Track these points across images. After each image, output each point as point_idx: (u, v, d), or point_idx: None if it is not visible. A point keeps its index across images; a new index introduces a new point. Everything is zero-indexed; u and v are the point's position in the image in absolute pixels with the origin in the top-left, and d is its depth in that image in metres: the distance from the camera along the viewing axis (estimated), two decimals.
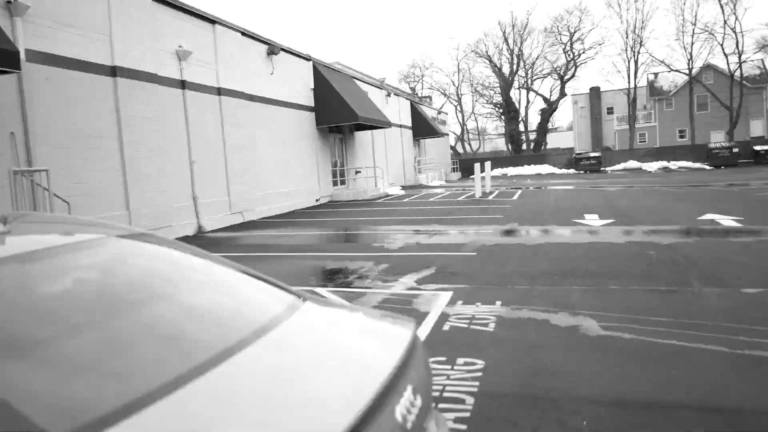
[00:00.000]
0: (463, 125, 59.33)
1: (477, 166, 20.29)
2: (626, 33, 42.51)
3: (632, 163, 40.89)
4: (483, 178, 26.15)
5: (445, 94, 58.14)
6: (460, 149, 62.61)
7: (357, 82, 24.49)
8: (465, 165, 44.67)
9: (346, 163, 23.34)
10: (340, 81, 21.48)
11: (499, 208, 15.91)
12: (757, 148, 37.18)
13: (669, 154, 41.25)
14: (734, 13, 38.62)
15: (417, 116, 33.95)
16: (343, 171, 23.24)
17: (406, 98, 33.59)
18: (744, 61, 39.73)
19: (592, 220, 12.35)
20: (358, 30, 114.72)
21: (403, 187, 28.70)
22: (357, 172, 22.80)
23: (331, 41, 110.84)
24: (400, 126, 31.49)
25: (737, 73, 40.15)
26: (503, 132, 53.56)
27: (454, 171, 41.58)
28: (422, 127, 34.08)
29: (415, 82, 56.94)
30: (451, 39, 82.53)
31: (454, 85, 58.50)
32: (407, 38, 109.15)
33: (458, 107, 59.21)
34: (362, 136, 25.13)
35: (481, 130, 64.39)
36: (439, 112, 41.77)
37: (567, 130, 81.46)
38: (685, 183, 22.68)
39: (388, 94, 28.55)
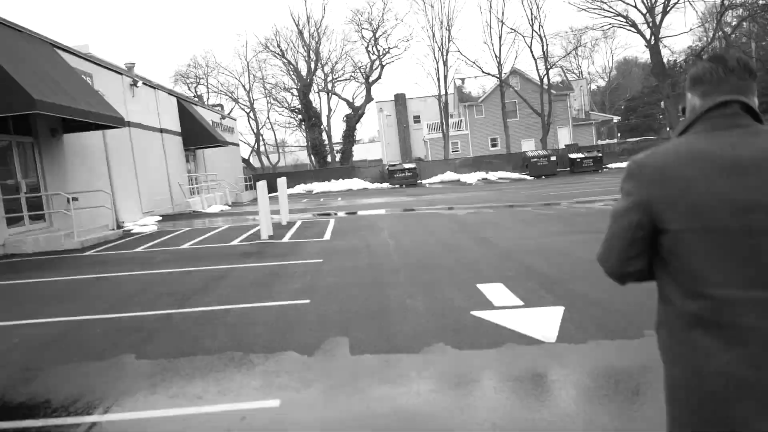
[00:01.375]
0: (258, 134, 51.28)
1: (261, 185, 12.53)
2: (433, 32, 38.40)
3: (450, 175, 36.54)
4: (274, 199, 18.41)
5: (233, 99, 49.62)
6: (256, 163, 54.38)
7: (67, 56, 15.29)
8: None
9: (45, 186, 14.07)
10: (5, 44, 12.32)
11: (299, 274, 8.40)
12: (573, 156, 34.93)
13: (485, 164, 37.72)
14: (539, 17, 36.31)
15: (189, 119, 25.26)
16: (40, 198, 13.96)
17: (170, 94, 24.65)
18: (552, 66, 37.71)
19: (517, 313, 5.42)
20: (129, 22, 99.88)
21: (165, 217, 19.90)
22: (71, 200, 13.64)
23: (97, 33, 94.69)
24: (162, 130, 22.58)
25: (545, 80, 37.95)
26: (305, 144, 46.64)
27: (248, 189, 33.43)
28: (198, 134, 25.48)
29: (196, 84, 47.57)
30: (238, 36, 73.83)
31: (244, 88, 50.18)
32: (186, 35, 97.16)
33: (251, 114, 51.03)
34: (84, 141, 15.94)
35: (280, 142, 56.92)
36: (224, 117, 33.32)
37: (369, 142, 77.73)
38: (531, 198, 17.60)
39: (134, 83, 19.56)
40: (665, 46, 39.29)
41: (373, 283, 7.26)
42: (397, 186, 35.26)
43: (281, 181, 15.69)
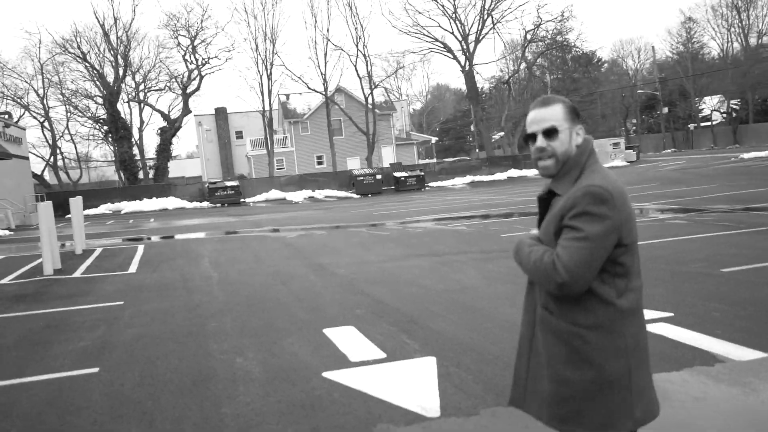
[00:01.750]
0: (54, 147, 44.98)
1: (43, 207, 10.06)
2: (256, 44, 36.81)
3: (275, 193, 35.00)
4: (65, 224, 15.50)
5: (23, 105, 42.99)
6: (52, 179, 47.73)
7: None
8: (58, 200, 31.81)
9: None
10: None
11: (89, 324, 6.57)
12: (398, 175, 35.52)
13: (311, 182, 36.85)
14: (363, 37, 36.63)
15: None
16: None
17: None
18: (376, 86, 38.19)
19: (381, 371, 4.31)
20: None
21: None
22: None
23: None
24: None
25: (370, 99, 38.30)
26: (113, 158, 41.84)
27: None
28: None
29: None
30: (30, 34, 64.97)
31: (37, 93, 43.78)
32: None
33: (45, 123, 44.66)
34: None
35: (82, 156, 50.65)
36: (8, 125, 28.34)
37: (188, 158, 73.13)
38: (362, 218, 16.95)
39: None
40: (478, 73, 42.00)
41: (190, 335, 5.70)
42: (218, 205, 32.86)
43: (75, 201, 13.08)
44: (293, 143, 46.12)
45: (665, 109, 54.13)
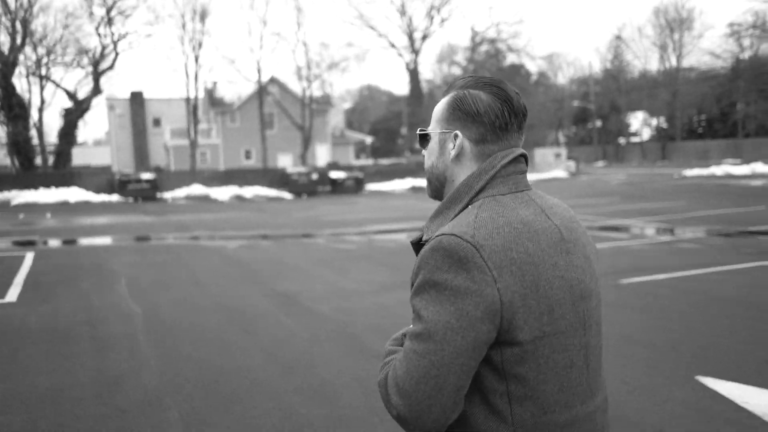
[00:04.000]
0: None
1: None
2: (183, 20, 32.97)
3: (197, 188, 31.48)
4: None
5: None
6: None
7: None
8: None
9: None
10: None
11: None
12: (334, 175, 32.97)
13: (239, 178, 33.59)
14: (303, 25, 33.75)
15: None
16: None
17: None
18: (315, 78, 35.43)
19: None
20: None
21: None
22: None
23: None
24: None
25: (308, 92, 35.51)
26: (5, 140, 36.52)
27: None
28: None
29: None
30: None
31: None
32: None
33: None
34: None
35: None
36: None
37: (95, 145, 67.02)
38: (310, 224, 14.32)
39: None
40: (419, 73, 40.22)
41: None
42: (130, 199, 28.98)
43: None
44: (220, 135, 42.35)
45: (598, 123, 54.82)
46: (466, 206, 1.14)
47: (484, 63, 41.36)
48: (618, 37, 59.92)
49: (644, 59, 62.02)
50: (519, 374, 1.05)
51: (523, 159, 1.20)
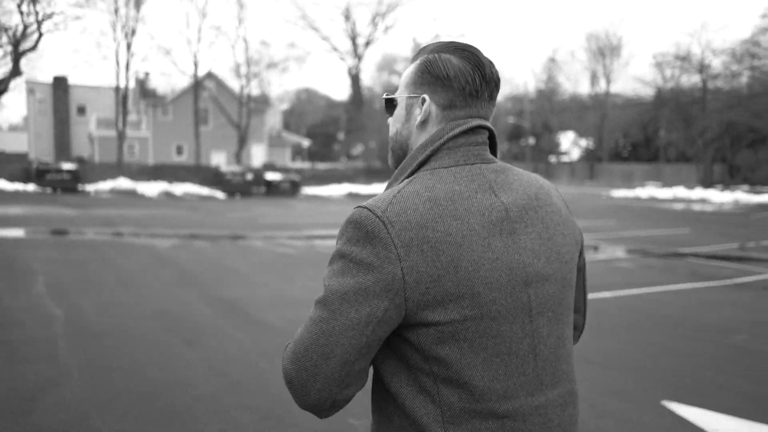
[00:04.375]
0: None
1: None
2: (116, 5, 31.20)
3: (123, 182, 29.92)
4: None
5: None
6: None
7: None
8: None
9: None
10: None
11: None
12: (270, 177, 32.17)
13: (169, 174, 32.22)
14: (243, 20, 32.80)
15: None
16: None
17: None
18: (254, 76, 34.50)
19: None
20: None
21: None
22: None
23: None
24: None
25: (246, 90, 34.53)
26: None
27: None
28: None
29: None
30: None
31: None
32: None
33: None
34: None
35: None
36: None
37: (10, 130, 62.71)
38: (246, 225, 13.69)
39: None
40: (361, 79, 39.93)
41: None
42: (49, 190, 27.13)
43: None
44: (150, 128, 40.45)
45: (532, 140, 56.47)
46: (410, 176, 1.09)
47: None
48: (552, 60, 62.16)
49: (575, 82, 64.64)
50: (440, 356, 1.01)
51: (484, 130, 1.12)
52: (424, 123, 1.12)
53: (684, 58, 37.67)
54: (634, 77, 44.88)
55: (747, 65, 38.14)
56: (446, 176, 1.06)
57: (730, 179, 39.25)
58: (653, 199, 30.43)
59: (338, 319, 0.99)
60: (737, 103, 34.36)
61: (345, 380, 1.01)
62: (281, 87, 70.77)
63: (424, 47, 1.17)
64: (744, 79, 39.10)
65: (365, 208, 1.03)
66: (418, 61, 1.14)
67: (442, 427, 1.01)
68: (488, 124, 1.14)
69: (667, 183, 41.57)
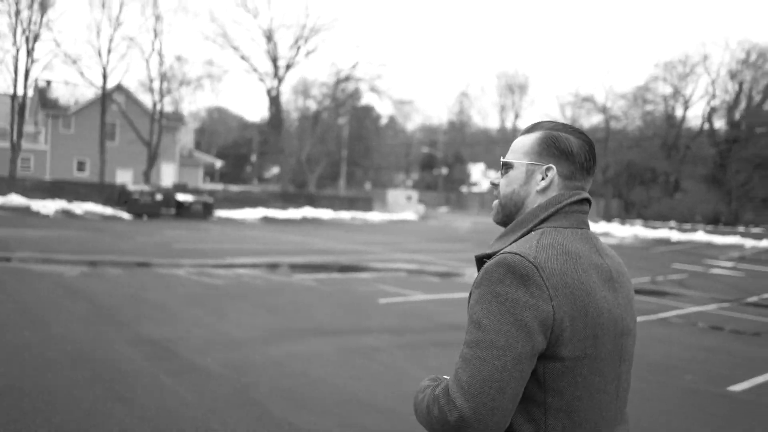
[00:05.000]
0: None
1: None
2: (18, 7, 28.86)
3: (15, 199, 27.45)
4: None
5: None
6: None
7: None
8: None
9: None
10: None
11: None
12: (182, 198, 30.67)
13: (68, 191, 29.97)
14: (160, 33, 31.37)
15: None
16: None
17: None
18: (168, 92, 32.94)
19: None
20: None
21: None
22: None
23: None
24: None
25: (159, 105, 32.92)
26: None
27: None
28: None
29: None
30: None
31: None
32: None
33: None
34: None
35: None
36: None
37: None
38: (162, 251, 12.71)
39: None
40: (281, 102, 39.22)
41: None
42: None
43: None
44: (48, 140, 37.51)
45: (444, 170, 57.89)
46: (529, 232, 1.26)
47: (344, 101, 41.80)
48: (464, 93, 64.45)
49: (485, 116, 67.28)
50: (558, 387, 1.16)
51: (587, 202, 1.32)
52: (545, 188, 1.30)
53: (588, 99, 40.18)
54: (541, 114, 47.31)
55: (640, 110, 41.30)
56: (568, 235, 1.24)
57: (626, 214, 41.96)
58: None
59: (508, 355, 1.10)
60: (635, 144, 36.97)
61: (515, 408, 1.13)
62: (193, 104, 68.39)
63: (540, 123, 1.36)
64: (638, 122, 42.27)
65: (516, 254, 1.17)
66: (539, 134, 1.33)
67: None
68: (590, 197, 1.33)
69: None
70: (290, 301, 8.55)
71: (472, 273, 12.99)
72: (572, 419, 1.16)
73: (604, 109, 39.19)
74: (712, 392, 5.42)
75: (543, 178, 1.30)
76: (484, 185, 60.11)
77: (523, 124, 59.19)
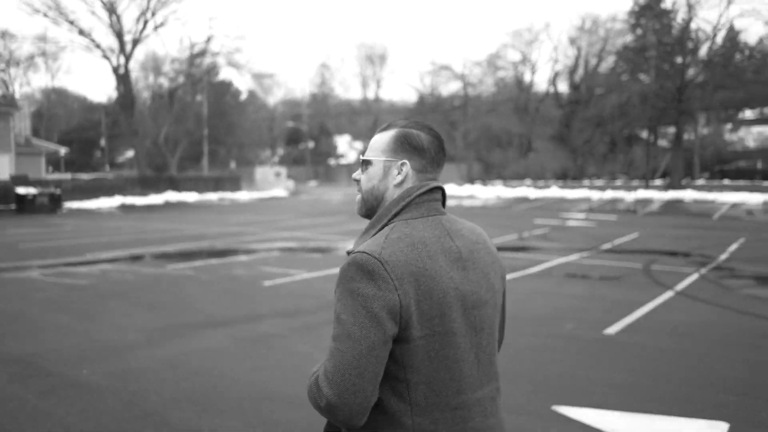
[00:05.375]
0: None
1: None
2: None
3: None
4: None
5: None
6: None
7: None
8: None
9: None
10: None
11: None
12: (22, 191, 27.60)
13: None
14: None
15: None
16: None
17: None
18: (3, 69, 28.98)
19: None
20: None
21: None
22: None
23: None
24: None
25: None
26: None
27: None
28: None
29: None
30: None
31: None
32: None
33: None
34: None
35: None
36: None
37: None
38: (20, 253, 11.27)
39: None
40: (131, 80, 36.14)
41: None
42: None
43: None
44: None
45: (311, 144, 57.26)
46: (385, 226, 1.41)
47: (201, 77, 39.56)
48: (324, 65, 63.87)
49: (347, 87, 67.35)
50: (414, 364, 1.31)
51: (439, 190, 1.46)
52: (401, 182, 1.44)
53: (446, 67, 41.54)
54: (401, 84, 48.24)
55: (494, 76, 43.53)
56: (418, 225, 1.38)
57: (486, 176, 44.43)
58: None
59: (363, 343, 1.26)
60: (491, 109, 38.99)
61: (376, 388, 1.29)
62: (27, 86, 61.27)
63: (394, 122, 1.49)
64: (492, 88, 44.57)
65: (363, 252, 1.32)
66: (394, 132, 1.46)
67: (410, 419, 1.32)
68: (442, 185, 1.47)
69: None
70: (169, 295, 7.97)
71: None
72: (432, 389, 1.32)
73: (462, 77, 40.79)
74: (592, 337, 5.85)
75: (399, 173, 1.43)
76: (351, 157, 60.55)
77: (384, 93, 60.09)
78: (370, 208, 1.48)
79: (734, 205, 24.07)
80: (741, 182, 36.55)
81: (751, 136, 44.04)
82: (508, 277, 9.05)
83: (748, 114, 42.57)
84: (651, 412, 3.97)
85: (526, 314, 6.76)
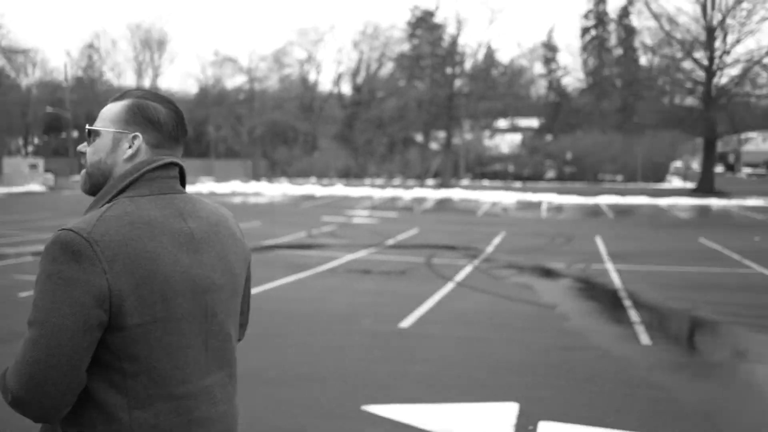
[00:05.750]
0: None
1: None
2: None
3: None
4: None
5: None
6: None
7: None
8: None
9: None
10: None
11: None
12: None
13: None
14: None
15: None
16: None
17: None
18: None
19: None
20: None
21: None
22: None
23: None
24: None
25: None
26: None
27: None
28: None
29: None
30: None
31: None
32: None
33: None
34: None
35: None
36: None
37: None
38: None
39: None
40: None
41: None
42: None
43: None
44: None
45: (75, 133, 50.99)
46: (109, 202, 1.27)
47: None
48: (91, 46, 57.50)
49: (120, 73, 61.44)
50: (131, 354, 1.20)
51: (176, 166, 1.35)
52: (132, 156, 1.30)
53: (230, 59, 40.23)
54: (182, 73, 45.58)
55: (279, 72, 43.40)
56: (144, 203, 1.26)
57: (272, 173, 44.13)
58: (214, 195, 31.63)
59: (57, 333, 1.13)
60: (277, 105, 38.75)
61: (74, 381, 1.16)
62: None
63: (129, 91, 1.36)
64: (277, 84, 44.41)
65: (69, 230, 1.18)
66: (127, 102, 1.32)
67: (127, 413, 1.20)
68: (180, 161, 1.36)
69: (219, 178, 43.77)
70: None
71: None
72: (152, 378, 1.21)
73: (248, 71, 39.86)
74: (388, 331, 5.99)
75: (130, 147, 1.31)
76: None
77: (163, 82, 56.12)
78: (96, 184, 1.33)
79: (494, 203, 27.24)
80: (497, 183, 41.71)
81: (504, 143, 50.46)
82: (303, 275, 8.96)
83: (502, 123, 48.76)
84: (452, 401, 4.13)
85: (323, 312, 6.71)
